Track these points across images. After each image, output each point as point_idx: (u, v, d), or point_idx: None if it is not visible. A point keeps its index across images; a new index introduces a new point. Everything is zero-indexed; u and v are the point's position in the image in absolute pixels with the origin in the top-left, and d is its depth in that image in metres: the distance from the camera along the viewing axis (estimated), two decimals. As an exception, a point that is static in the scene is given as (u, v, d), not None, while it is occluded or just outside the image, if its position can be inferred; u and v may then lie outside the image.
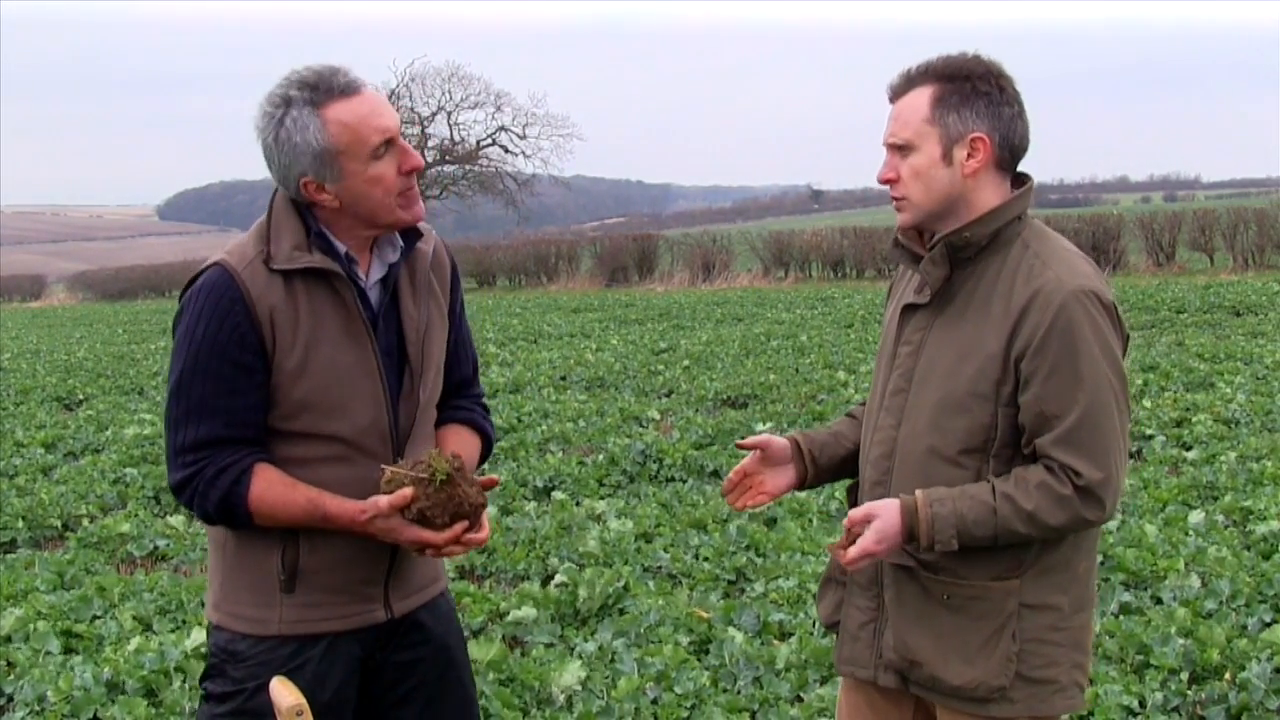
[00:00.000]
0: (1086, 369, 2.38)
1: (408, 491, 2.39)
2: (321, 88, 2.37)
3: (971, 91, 2.45)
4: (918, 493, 2.45)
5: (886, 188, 2.57)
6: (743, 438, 9.92)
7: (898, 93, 2.52)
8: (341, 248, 2.48)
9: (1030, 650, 2.48)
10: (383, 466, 2.44)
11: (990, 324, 2.45)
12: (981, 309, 2.48)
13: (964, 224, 2.48)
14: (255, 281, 2.42)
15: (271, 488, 2.42)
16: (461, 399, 2.77)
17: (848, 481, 2.80)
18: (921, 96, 2.47)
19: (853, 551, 2.45)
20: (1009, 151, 2.50)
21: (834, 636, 2.78)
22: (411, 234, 2.57)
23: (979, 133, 2.45)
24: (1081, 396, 2.38)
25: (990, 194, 2.49)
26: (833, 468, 2.79)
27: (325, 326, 2.46)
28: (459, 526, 2.44)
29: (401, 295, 2.57)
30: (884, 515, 2.44)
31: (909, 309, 2.60)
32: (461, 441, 2.67)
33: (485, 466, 9.42)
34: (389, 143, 2.41)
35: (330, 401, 2.46)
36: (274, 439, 2.48)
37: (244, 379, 2.42)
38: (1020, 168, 2.55)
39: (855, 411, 2.87)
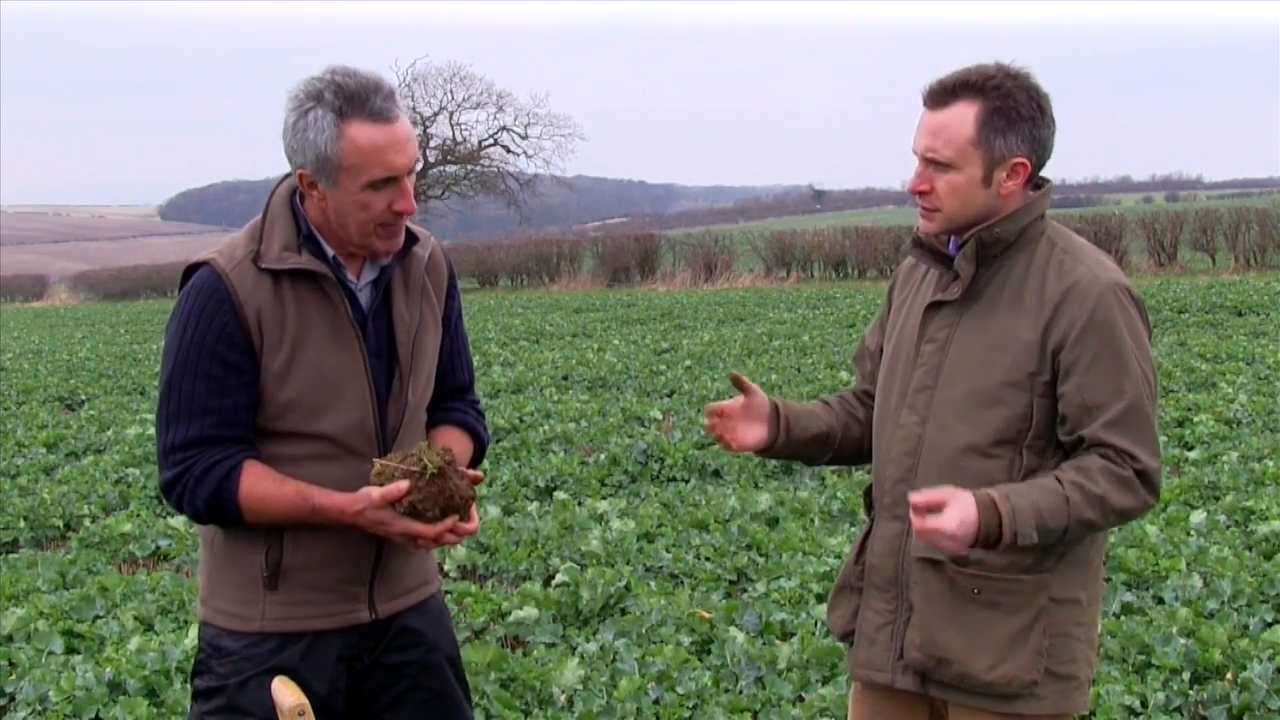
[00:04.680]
0: (1127, 359, 2.42)
1: (404, 484, 2.39)
2: (355, 102, 2.35)
3: (1017, 115, 2.45)
4: (989, 490, 2.39)
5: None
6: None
7: (937, 103, 2.48)
8: (330, 251, 2.49)
9: (1056, 645, 2.50)
10: (373, 460, 2.45)
11: (1024, 316, 2.48)
12: (1013, 302, 2.50)
13: (993, 221, 2.50)
14: (243, 281, 2.44)
15: (260, 482, 2.43)
16: (455, 402, 2.78)
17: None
18: (966, 115, 2.45)
19: (930, 522, 2.35)
20: (1039, 168, 2.54)
21: (834, 636, 2.77)
22: (407, 238, 2.57)
23: (1021, 157, 2.47)
24: (1127, 386, 2.42)
25: (1015, 201, 2.53)
26: (801, 443, 2.77)
27: (312, 327, 2.47)
28: (450, 520, 2.45)
29: (394, 297, 2.57)
30: (963, 502, 2.36)
31: (933, 307, 2.60)
32: (452, 441, 2.67)
33: (486, 466, 9.39)
34: (392, 180, 2.41)
35: (316, 401, 2.47)
36: (261, 438, 2.49)
37: (233, 378, 2.43)
38: None
39: (829, 400, 2.85)
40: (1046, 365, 2.46)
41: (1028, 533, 2.38)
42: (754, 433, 2.73)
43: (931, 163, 2.49)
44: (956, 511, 2.35)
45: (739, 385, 2.72)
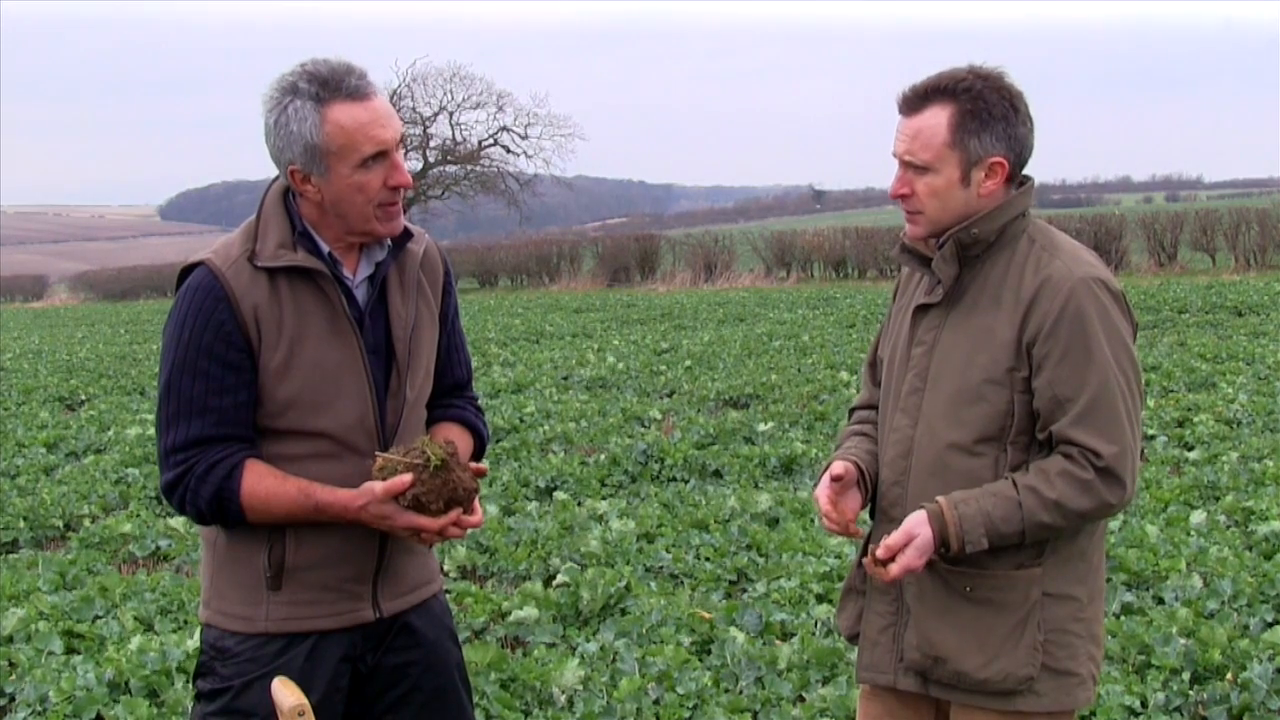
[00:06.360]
0: (1096, 352, 2.43)
1: (406, 477, 2.39)
2: (330, 85, 2.38)
3: (989, 116, 2.48)
4: (939, 499, 2.45)
5: (892, 188, 2.59)
6: (747, 439, 9.77)
7: (911, 109, 2.52)
8: (325, 248, 2.50)
9: (1054, 641, 2.51)
10: (376, 454, 2.45)
11: (1002, 313, 2.50)
12: (993, 301, 2.52)
13: (970, 221, 2.51)
14: (239, 280, 2.44)
15: (262, 480, 2.43)
16: (454, 399, 2.78)
17: None
18: (939, 118, 2.48)
19: (894, 569, 2.45)
20: (1019, 166, 2.55)
21: (837, 637, 2.77)
22: (401, 234, 2.57)
23: (998, 156, 2.50)
24: (1093, 378, 2.42)
25: (995, 201, 2.55)
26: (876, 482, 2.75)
27: (310, 324, 2.47)
28: (454, 513, 2.45)
29: (390, 293, 2.57)
30: (920, 530, 2.44)
31: (921, 310, 2.62)
32: (453, 437, 2.67)
33: (485, 465, 9.39)
34: (382, 154, 2.42)
35: (316, 398, 2.47)
36: (262, 437, 2.49)
37: (232, 377, 2.43)
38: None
39: (865, 430, 2.81)
40: (1023, 360, 2.48)
41: (977, 540, 2.42)
42: (854, 501, 2.67)
43: (910, 166, 2.53)
44: (914, 549, 2.43)
45: (840, 479, 2.62)
